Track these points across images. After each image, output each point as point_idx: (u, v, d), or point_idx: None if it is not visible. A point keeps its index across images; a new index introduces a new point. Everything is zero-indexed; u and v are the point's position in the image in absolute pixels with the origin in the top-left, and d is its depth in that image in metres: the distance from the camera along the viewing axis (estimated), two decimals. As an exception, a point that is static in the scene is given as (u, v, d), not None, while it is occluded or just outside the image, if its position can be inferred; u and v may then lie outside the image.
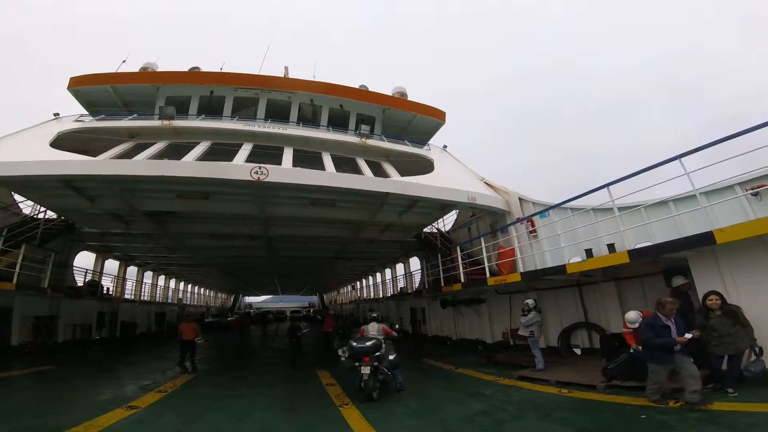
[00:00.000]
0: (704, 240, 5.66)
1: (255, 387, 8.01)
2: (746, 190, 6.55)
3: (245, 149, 10.92)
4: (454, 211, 15.28)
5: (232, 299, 53.86)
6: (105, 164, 9.19)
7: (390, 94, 16.32)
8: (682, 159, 6.31)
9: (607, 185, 7.57)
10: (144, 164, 9.34)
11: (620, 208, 8.45)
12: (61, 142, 10.45)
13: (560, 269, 8.22)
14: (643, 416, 4.79)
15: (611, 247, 8.25)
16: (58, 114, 13.04)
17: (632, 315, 6.34)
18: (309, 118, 15.07)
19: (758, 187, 6.48)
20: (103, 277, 18.45)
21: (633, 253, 6.66)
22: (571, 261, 8.74)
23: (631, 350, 6.37)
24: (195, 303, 36.99)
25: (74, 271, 16.15)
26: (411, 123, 16.14)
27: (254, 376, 9.43)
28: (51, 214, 13.59)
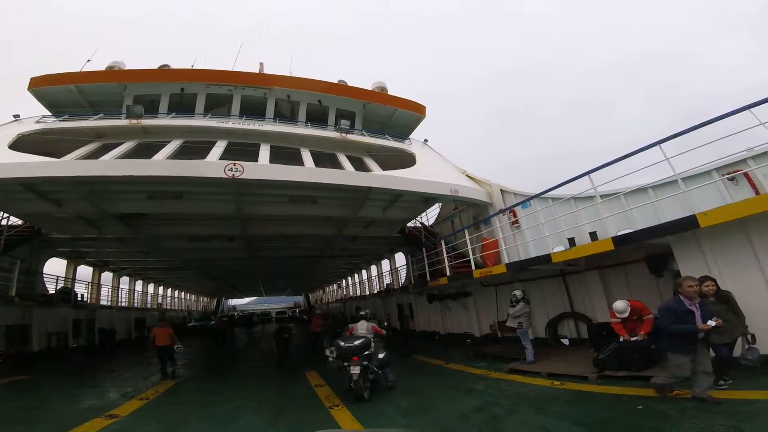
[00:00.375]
0: (687, 224, 5.68)
1: (241, 391, 7.72)
2: (723, 175, 6.66)
3: (219, 147, 10.51)
4: (437, 205, 15.21)
5: (215, 302, 52.73)
6: (68, 165, 8.67)
7: (370, 89, 16.06)
8: (662, 145, 6.31)
9: (588, 173, 7.57)
10: (111, 164, 8.86)
11: (601, 196, 8.54)
12: (22, 144, 9.83)
13: (545, 258, 8.19)
14: (641, 407, 4.74)
15: (593, 235, 8.28)
16: (18, 116, 12.26)
17: (620, 304, 6.35)
18: (287, 115, 14.67)
19: (734, 172, 6.60)
20: (76, 284, 17.72)
21: (617, 240, 6.67)
22: (554, 250, 8.77)
23: (621, 339, 6.39)
24: (176, 307, 35.99)
25: (45, 279, 15.42)
26: (391, 118, 15.91)
27: (240, 380, 9.13)
28: (16, 221, 12.85)
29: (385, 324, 8.26)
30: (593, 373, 6.42)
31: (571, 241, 8.60)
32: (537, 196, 9.72)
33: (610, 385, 5.90)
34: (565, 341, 9.98)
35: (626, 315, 6.35)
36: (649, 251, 7.50)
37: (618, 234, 7.32)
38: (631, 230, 7.19)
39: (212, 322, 32.92)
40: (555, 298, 10.16)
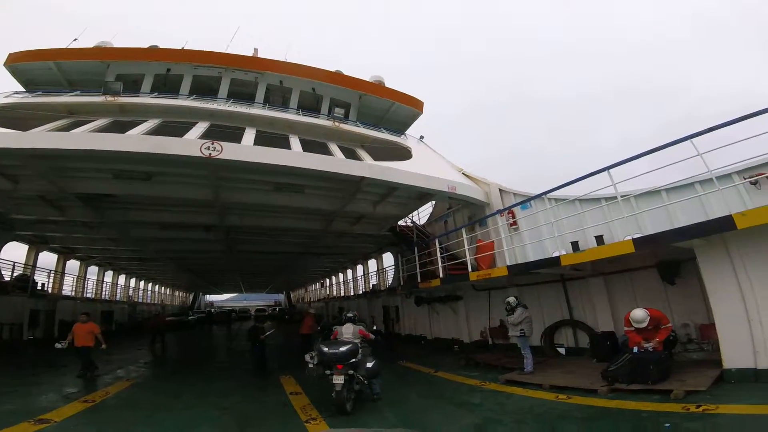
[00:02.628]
0: (721, 225, 5.10)
1: (203, 396, 6.83)
2: (744, 179, 6.20)
3: (200, 127, 9.67)
4: (429, 204, 14.59)
5: (191, 297, 50.99)
6: (22, 137, 7.71)
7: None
8: (693, 140, 5.74)
9: (606, 169, 6.94)
10: (71, 137, 7.93)
11: (607, 199, 8.05)
12: None
13: (553, 261, 7.58)
14: (667, 424, 4.14)
15: (599, 239, 7.78)
16: None
17: (639, 313, 5.79)
18: (277, 103, 13.86)
19: (757, 176, 6.15)
20: (37, 272, 16.41)
21: (638, 242, 6.06)
22: (555, 254, 8.22)
23: (634, 350, 5.80)
24: (150, 301, 34.38)
25: (0, 265, 14.16)
26: (388, 112, 15.29)
27: (204, 383, 8.19)
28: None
29: (375, 328, 7.40)
30: (603, 386, 5.81)
31: (575, 245, 8.05)
32: (538, 196, 9.12)
33: (623, 399, 5.28)
34: (562, 350, 9.42)
35: (644, 325, 5.78)
36: (664, 257, 6.99)
37: (626, 238, 6.78)
38: (640, 235, 6.68)
39: (191, 318, 31.83)
40: (553, 304, 9.56)
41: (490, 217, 10.60)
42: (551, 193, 8.80)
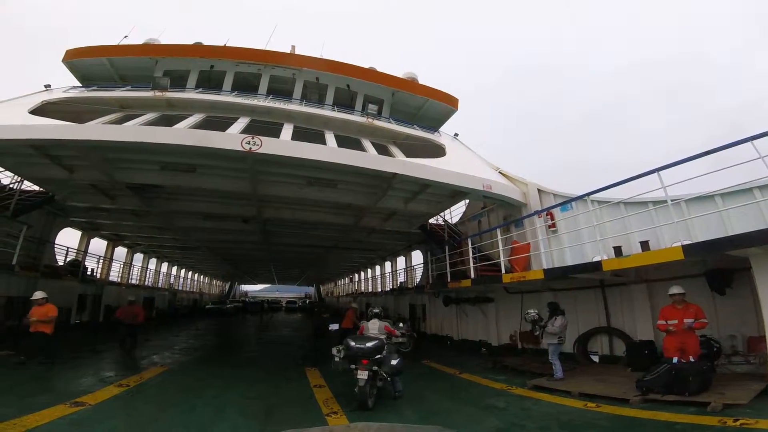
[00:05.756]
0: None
1: (232, 385, 7.03)
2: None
3: (241, 122, 9.99)
4: (462, 203, 14.32)
5: (227, 287, 53.05)
6: (77, 129, 8.24)
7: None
8: (754, 141, 5.26)
9: (656, 170, 6.49)
10: (122, 130, 8.42)
11: (655, 202, 7.54)
12: (46, 111, 9.67)
13: (594, 266, 7.20)
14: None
15: (645, 245, 7.31)
16: (49, 85, 12.18)
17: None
18: (314, 99, 14.10)
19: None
20: (88, 258, 17.51)
21: (689, 249, 5.64)
22: (595, 259, 7.82)
23: (674, 360, 5.44)
24: (188, 289, 36.06)
25: (56, 249, 15.23)
26: (421, 109, 15.15)
27: (234, 372, 8.41)
28: (30, 186, 12.64)
29: (401, 325, 7.31)
30: (636, 396, 5.50)
31: (617, 250, 7.60)
32: (580, 197, 8.68)
33: (656, 410, 4.97)
34: (595, 358, 8.99)
35: (682, 292, 5.97)
36: (710, 266, 6.49)
37: (674, 245, 6.33)
38: (690, 242, 6.22)
39: (227, 306, 33.81)
40: (589, 310, 9.13)
41: (527, 217, 10.22)
42: (594, 195, 8.36)
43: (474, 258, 10.55)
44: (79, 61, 13.40)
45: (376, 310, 7.23)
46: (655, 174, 6.54)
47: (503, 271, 9.42)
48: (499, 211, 12.20)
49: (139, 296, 22.31)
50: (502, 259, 9.49)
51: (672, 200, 6.72)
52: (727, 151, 5.72)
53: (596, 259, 7.73)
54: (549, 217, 9.71)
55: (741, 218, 6.22)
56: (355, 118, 12.12)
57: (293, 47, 15.88)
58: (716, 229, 6.42)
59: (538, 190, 10.60)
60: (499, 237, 9.66)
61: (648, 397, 5.43)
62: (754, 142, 5.30)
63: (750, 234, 5.03)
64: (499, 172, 11.71)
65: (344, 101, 13.99)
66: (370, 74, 14.41)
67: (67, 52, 13.42)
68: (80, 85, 13.24)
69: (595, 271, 7.23)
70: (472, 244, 10.87)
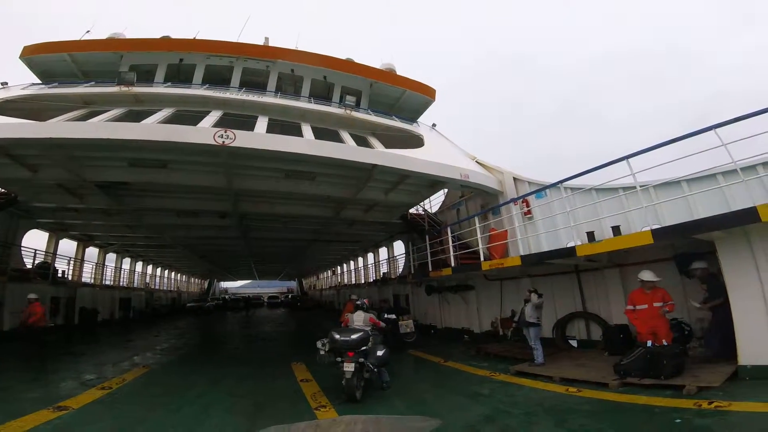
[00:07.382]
0: (744, 217, 4.89)
1: (217, 383, 6.94)
2: (770, 170, 5.93)
3: (213, 116, 9.75)
4: (441, 192, 14.45)
5: (206, 284, 52.03)
6: (40, 127, 7.85)
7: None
8: (717, 130, 5.51)
9: (625, 158, 6.71)
10: (87, 127, 8.09)
11: (625, 188, 7.82)
12: (4, 110, 9.20)
13: (568, 251, 7.41)
14: (679, 420, 4.07)
15: (616, 230, 7.59)
16: (6, 83, 11.52)
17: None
18: (289, 92, 13.82)
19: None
20: (57, 259, 16.82)
21: (658, 233, 5.89)
22: (569, 244, 8.07)
23: (648, 344, 5.70)
24: (166, 288, 35.25)
25: (23, 252, 14.55)
26: (399, 100, 15.09)
27: (218, 370, 8.28)
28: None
29: (386, 316, 7.26)
30: (614, 379, 5.72)
31: (590, 235, 7.87)
32: (554, 185, 8.93)
33: (634, 394, 5.18)
34: (573, 342, 9.31)
35: (654, 279, 6.11)
36: (682, 249, 6.80)
37: (644, 229, 6.59)
38: (659, 226, 6.49)
39: (208, 305, 33.25)
40: (566, 295, 9.42)
41: (503, 205, 10.44)
42: (567, 182, 8.60)
43: (454, 246, 10.70)
44: (38, 57, 12.73)
45: (360, 302, 7.25)
46: (625, 161, 6.77)
47: (482, 258, 9.60)
48: (476, 199, 12.40)
49: (114, 297, 21.63)
50: (480, 246, 9.66)
51: (641, 186, 7.00)
52: (692, 139, 5.95)
53: (570, 244, 7.98)
54: (524, 204, 9.93)
55: (706, 203, 6.51)
56: (333, 109, 11.98)
57: (266, 39, 15.46)
58: (683, 213, 6.69)
59: (514, 178, 10.82)
60: (477, 225, 9.80)
61: (626, 380, 5.62)
62: (717, 130, 5.53)
63: (714, 218, 5.29)
64: (476, 161, 11.87)
65: (321, 93, 13.79)
66: (347, 65, 14.20)
67: (25, 48, 12.75)
68: (40, 82, 12.65)
69: (570, 256, 7.44)
70: (451, 233, 11.03)
